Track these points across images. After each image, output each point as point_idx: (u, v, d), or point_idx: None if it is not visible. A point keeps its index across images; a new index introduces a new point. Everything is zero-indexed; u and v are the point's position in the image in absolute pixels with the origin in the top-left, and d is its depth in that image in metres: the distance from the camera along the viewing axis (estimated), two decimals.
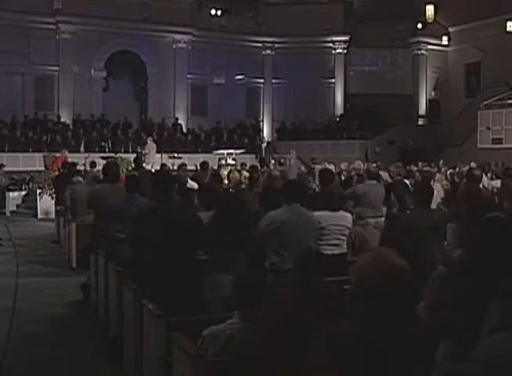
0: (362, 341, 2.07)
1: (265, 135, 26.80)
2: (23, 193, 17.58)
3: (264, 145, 18.78)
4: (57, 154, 17.57)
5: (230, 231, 4.40)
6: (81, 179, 10.66)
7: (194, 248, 4.57)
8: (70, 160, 17.56)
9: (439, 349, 2.13)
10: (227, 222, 4.46)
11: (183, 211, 4.75)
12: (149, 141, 19.23)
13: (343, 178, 11.65)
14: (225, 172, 11.48)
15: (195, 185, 8.14)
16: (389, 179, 9.71)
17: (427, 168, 14.07)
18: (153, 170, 12.56)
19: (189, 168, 12.29)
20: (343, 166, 13.78)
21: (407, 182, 8.91)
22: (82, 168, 14.40)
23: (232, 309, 3.45)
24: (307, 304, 3.09)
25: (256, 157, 18.40)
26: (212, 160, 14.54)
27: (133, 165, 13.88)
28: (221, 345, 3.21)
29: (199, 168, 11.80)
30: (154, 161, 17.45)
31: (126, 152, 20.44)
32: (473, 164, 13.41)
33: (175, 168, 13.62)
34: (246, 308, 3.33)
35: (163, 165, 14.17)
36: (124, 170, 13.89)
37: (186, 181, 8.45)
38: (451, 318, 2.18)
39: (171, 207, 4.61)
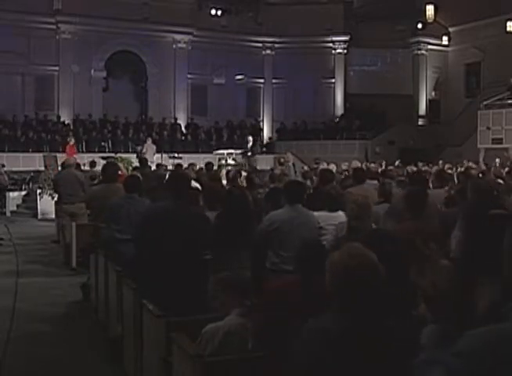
0: (351, 333, 2.12)
1: (265, 134, 26.85)
2: (23, 193, 17.60)
3: (249, 144, 18.21)
4: (68, 145, 18.21)
5: (237, 230, 4.40)
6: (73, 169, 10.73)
7: (203, 249, 4.54)
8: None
9: (426, 331, 2.18)
10: (234, 221, 4.46)
11: (195, 212, 4.72)
12: (148, 141, 19.23)
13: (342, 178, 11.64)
14: (224, 172, 11.47)
15: (198, 185, 8.12)
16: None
17: (426, 168, 14.07)
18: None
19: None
20: (344, 166, 13.78)
21: None
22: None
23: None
24: (308, 302, 3.09)
25: (242, 157, 17.95)
26: (212, 160, 14.50)
27: (134, 165, 13.93)
28: (219, 342, 3.21)
29: (204, 168, 11.80)
30: (151, 161, 17.44)
31: (126, 152, 20.47)
32: (471, 164, 13.41)
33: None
34: (242, 304, 3.35)
35: (158, 165, 14.18)
36: (125, 170, 13.91)
37: (191, 180, 8.44)
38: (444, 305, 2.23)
39: (184, 208, 4.56)
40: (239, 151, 18.69)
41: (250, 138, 19.13)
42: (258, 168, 18.22)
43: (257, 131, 26.35)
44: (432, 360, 1.88)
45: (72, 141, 18.40)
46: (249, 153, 17.76)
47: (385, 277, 2.23)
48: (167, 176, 6.78)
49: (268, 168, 17.96)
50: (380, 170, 11.66)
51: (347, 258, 2.19)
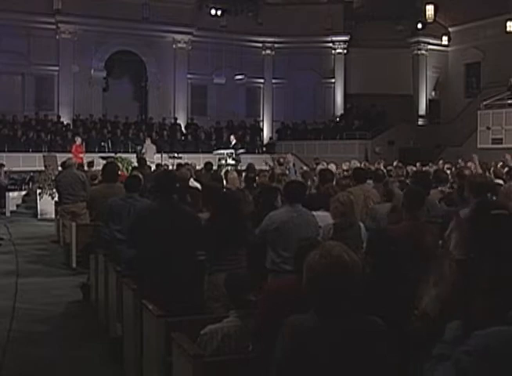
0: (322, 332, 2.12)
1: (265, 134, 26.85)
2: (23, 193, 17.60)
3: (232, 143, 17.80)
4: (74, 145, 18.22)
5: (233, 230, 4.40)
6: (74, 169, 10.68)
7: (193, 249, 4.56)
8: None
9: (448, 327, 2.16)
10: (225, 222, 4.46)
11: (182, 212, 4.73)
12: (148, 141, 19.19)
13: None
14: (223, 172, 11.46)
15: (198, 185, 8.12)
16: None
17: (426, 168, 14.06)
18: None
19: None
20: (345, 167, 13.78)
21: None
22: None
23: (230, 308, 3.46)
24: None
25: (232, 157, 17.62)
26: (212, 160, 14.48)
27: (134, 165, 13.92)
28: (218, 343, 3.22)
29: (203, 168, 11.80)
30: (151, 161, 17.40)
31: (126, 152, 20.45)
32: (470, 164, 13.36)
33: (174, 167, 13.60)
34: (241, 306, 3.35)
35: (158, 165, 14.17)
36: (125, 170, 13.90)
37: (188, 179, 8.45)
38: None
39: (170, 208, 4.58)
40: (239, 151, 18.62)
41: (233, 137, 19.01)
42: (257, 167, 18.10)
43: (257, 131, 26.37)
44: (445, 355, 1.88)
45: (79, 140, 18.32)
46: (227, 153, 17.36)
47: (371, 277, 2.21)
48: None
49: (266, 168, 17.84)
50: (374, 169, 11.62)
51: (318, 258, 2.17)
